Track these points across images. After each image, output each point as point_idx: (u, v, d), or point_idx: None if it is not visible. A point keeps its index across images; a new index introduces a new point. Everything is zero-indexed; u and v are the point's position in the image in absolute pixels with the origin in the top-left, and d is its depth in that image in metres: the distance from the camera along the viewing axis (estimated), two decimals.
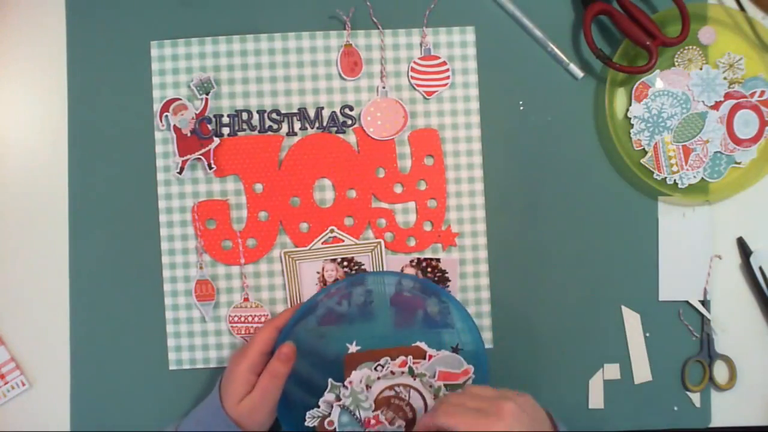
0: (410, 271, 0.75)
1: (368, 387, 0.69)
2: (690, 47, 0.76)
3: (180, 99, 0.75)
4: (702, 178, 0.76)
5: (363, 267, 0.75)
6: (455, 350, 0.71)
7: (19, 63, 0.76)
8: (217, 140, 0.74)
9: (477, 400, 0.61)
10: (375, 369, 0.69)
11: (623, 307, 0.77)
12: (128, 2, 0.76)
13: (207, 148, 0.74)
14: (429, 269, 0.76)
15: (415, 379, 0.69)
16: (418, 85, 0.76)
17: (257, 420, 0.66)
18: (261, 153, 0.75)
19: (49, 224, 0.75)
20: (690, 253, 0.77)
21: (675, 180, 0.76)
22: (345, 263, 0.75)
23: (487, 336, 0.76)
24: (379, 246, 0.75)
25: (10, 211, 0.76)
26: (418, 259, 0.76)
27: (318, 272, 0.75)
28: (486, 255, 0.76)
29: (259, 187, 0.75)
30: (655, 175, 0.76)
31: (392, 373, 0.69)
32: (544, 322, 0.77)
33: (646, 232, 0.77)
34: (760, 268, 0.77)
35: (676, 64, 0.76)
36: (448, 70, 0.76)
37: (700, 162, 0.76)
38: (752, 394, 0.78)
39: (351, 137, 0.76)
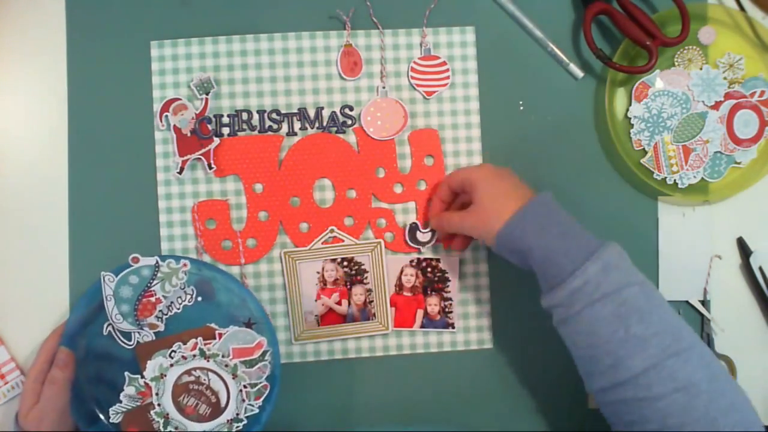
0: (410, 271, 0.75)
1: (163, 376, 0.68)
2: (690, 47, 0.76)
3: (180, 99, 0.75)
4: (702, 178, 0.76)
5: (363, 267, 0.75)
6: (248, 325, 0.70)
7: (19, 63, 0.76)
8: (217, 140, 0.74)
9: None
10: (169, 356, 0.68)
11: None
12: (128, 2, 0.76)
13: (207, 148, 0.74)
14: (429, 269, 0.76)
15: (209, 361, 0.68)
16: (418, 85, 0.76)
17: (46, 428, 0.66)
18: (261, 153, 0.75)
19: (49, 224, 0.75)
20: (690, 253, 0.77)
21: (675, 180, 0.76)
22: (345, 263, 0.75)
23: (487, 336, 0.76)
24: (379, 246, 0.75)
25: (10, 211, 0.75)
26: (418, 259, 0.76)
27: (318, 272, 0.75)
28: (486, 255, 0.76)
29: (259, 187, 0.75)
30: (655, 175, 0.76)
31: (184, 358, 0.68)
32: (544, 322, 0.76)
33: (646, 232, 0.77)
34: (760, 268, 0.77)
35: (676, 64, 0.76)
36: (448, 70, 0.76)
37: (700, 162, 0.76)
38: (752, 394, 0.77)
39: (351, 137, 0.76)
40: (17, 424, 0.67)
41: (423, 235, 0.75)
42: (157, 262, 0.70)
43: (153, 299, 0.70)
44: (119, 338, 0.70)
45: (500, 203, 0.64)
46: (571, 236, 0.61)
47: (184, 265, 0.71)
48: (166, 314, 0.71)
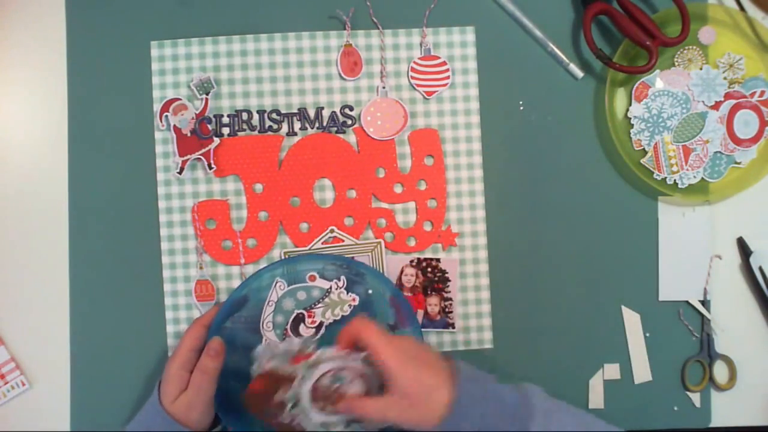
0: (410, 271, 0.75)
1: (317, 365, 0.66)
2: (690, 47, 0.76)
3: (180, 99, 0.75)
4: (702, 178, 0.76)
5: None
6: (392, 328, 0.70)
7: (20, 63, 0.76)
8: (217, 140, 0.74)
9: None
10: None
11: (623, 307, 0.77)
12: (128, 2, 0.76)
13: (207, 148, 0.74)
14: (429, 269, 0.76)
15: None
16: (418, 85, 0.76)
17: (194, 417, 0.66)
18: (261, 153, 0.75)
19: (49, 224, 0.75)
20: (690, 253, 0.77)
21: (675, 180, 0.76)
22: None
23: (487, 336, 0.76)
24: (379, 246, 0.75)
25: (10, 211, 0.76)
26: (418, 259, 0.76)
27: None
28: (486, 255, 0.76)
29: (259, 187, 0.75)
30: (655, 175, 0.76)
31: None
32: (544, 322, 0.77)
33: (646, 232, 0.77)
34: (760, 268, 0.77)
35: (676, 64, 0.76)
36: (448, 70, 0.76)
37: (700, 162, 0.76)
38: (752, 394, 0.78)
39: (351, 137, 0.76)
40: (161, 406, 0.66)
41: (307, 330, 0.71)
42: (330, 288, 0.71)
43: (310, 320, 0.70)
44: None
45: (427, 392, 0.59)
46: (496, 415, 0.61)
47: (353, 299, 0.71)
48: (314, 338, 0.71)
